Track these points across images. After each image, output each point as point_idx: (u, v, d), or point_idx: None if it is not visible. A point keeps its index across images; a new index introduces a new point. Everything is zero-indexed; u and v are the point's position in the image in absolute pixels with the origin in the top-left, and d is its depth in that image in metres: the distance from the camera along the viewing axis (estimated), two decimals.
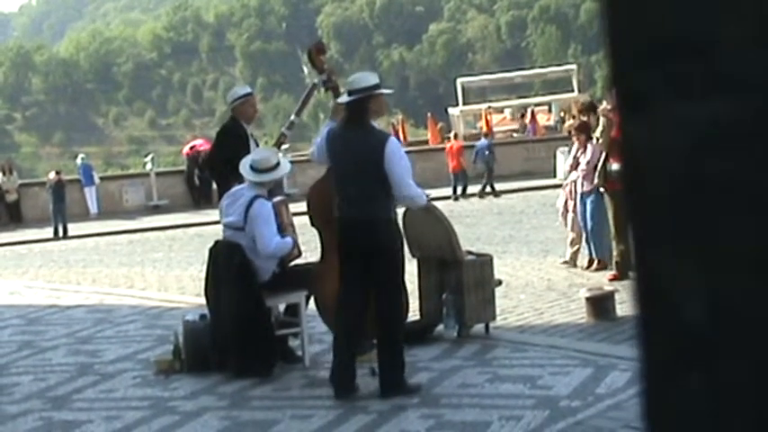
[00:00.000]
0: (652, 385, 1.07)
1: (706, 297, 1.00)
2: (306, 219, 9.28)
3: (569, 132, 13.79)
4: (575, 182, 13.70)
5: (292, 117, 10.04)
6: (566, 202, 14.00)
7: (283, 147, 10.02)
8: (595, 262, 13.44)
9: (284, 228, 8.88)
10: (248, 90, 10.45)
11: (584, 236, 13.69)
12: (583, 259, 13.81)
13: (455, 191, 29.14)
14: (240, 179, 9.09)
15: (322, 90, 9.36)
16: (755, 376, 0.99)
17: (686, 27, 0.98)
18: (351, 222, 7.74)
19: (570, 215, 13.91)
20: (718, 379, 1.01)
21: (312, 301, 9.16)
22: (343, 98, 7.99)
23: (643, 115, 1.01)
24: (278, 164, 8.95)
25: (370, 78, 8.03)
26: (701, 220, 1.00)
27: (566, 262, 14.01)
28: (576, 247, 13.96)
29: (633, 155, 1.04)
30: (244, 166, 8.84)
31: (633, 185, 1.06)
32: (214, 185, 9.46)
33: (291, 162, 9.19)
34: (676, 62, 0.98)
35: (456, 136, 33.11)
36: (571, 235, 14.05)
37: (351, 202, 7.73)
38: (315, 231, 9.19)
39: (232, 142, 9.65)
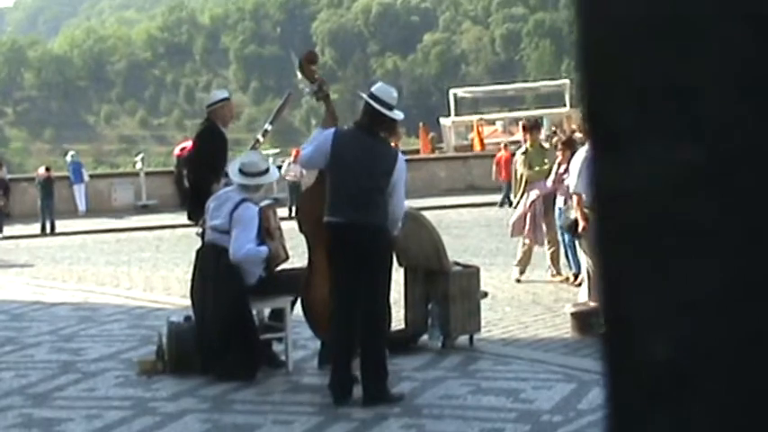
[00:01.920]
0: (618, 422, 1.08)
1: (671, 335, 1.02)
2: (293, 223, 9.26)
3: (555, 146, 14.01)
4: (541, 196, 13.92)
5: (266, 125, 10.13)
6: (527, 217, 14.07)
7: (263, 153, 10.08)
8: (579, 276, 13.45)
9: (271, 232, 8.87)
10: (226, 94, 10.60)
11: (561, 249, 13.78)
12: (568, 273, 13.83)
13: (507, 198, 29.22)
14: (219, 181, 9.16)
15: (308, 97, 9.36)
16: (720, 414, 1.01)
17: (663, 71, 1.00)
18: (350, 226, 7.69)
19: (532, 230, 14.02)
20: (683, 417, 1.03)
21: (299, 305, 9.13)
22: (366, 97, 8.04)
23: (616, 155, 1.03)
24: (267, 170, 8.97)
25: (396, 96, 8.14)
26: (668, 261, 1.02)
27: (556, 275, 14.02)
28: (553, 259, 14.07)
29: (605, 194, 1.06)
30: (233, 168, 8.88)
31: (604, 223, 1.08)
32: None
33: (279, 167, 9.21)
34: (652, 105, 1.01)
35: (506, 146, 32.93)
36: (543, 249, 14.22)
37: (353, 206, 7.70)
38: (302, 236, 9.16)
39: (213, 144, 9.73)
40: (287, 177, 27.53)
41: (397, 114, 8.03)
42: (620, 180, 1.03)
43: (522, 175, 14.18)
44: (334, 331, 8.01)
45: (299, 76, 8.96)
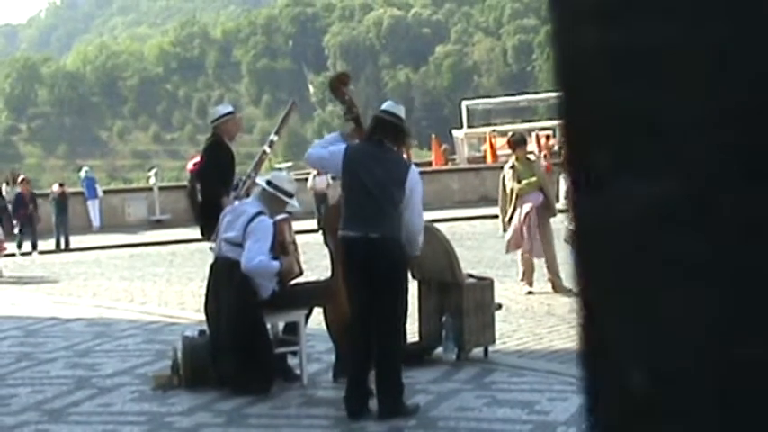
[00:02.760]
0: None
1: (649, 366, 1.04)
2: (308, 237, 9.27)
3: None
4: (534, 208, 14.04)
5: (272, 136, 10.16)
6: (522, 230, 14.13)
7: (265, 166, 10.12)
8: None
9: (285, 246, 8.87)
10: (231, 109, 10.68)
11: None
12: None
13: None
14: (228, 194, 9.22)
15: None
16: None
17: (640, 107, 1.03)
18: (362, 240, 7.71)
19: (528, 242, 14.07)
20: None
21: (321, 317, 9.15)
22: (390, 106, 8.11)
23: (594, 190, 1.07)
24: (291, 194, 8.94)
25: (404, 112, 8.23)
26: (647, 291, 1.04)
27: (559, 289, 14.02)
28: (551, 271, 14.12)
29: (585, 227, 1.09)
30: (262, 177, 8.97)
31: (584, 255, 1.10)
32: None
33: (306, 179, 9.24)
34: (627, 140, 1.04)
35: (546, 156, 32.70)
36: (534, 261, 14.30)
37: (364, 219, 7.71)
38: (318, 250, 9.18)
39: (219, 159, 9.79)
40: (315, 189, 27.53)
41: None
42: (599, 214, 1.06)
43: (511, 190, 14.24)
44: (349, 345, 8.02)
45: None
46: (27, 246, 26.52)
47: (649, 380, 1.03)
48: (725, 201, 0.99)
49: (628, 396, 1.05)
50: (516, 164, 14.37)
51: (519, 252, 14.40)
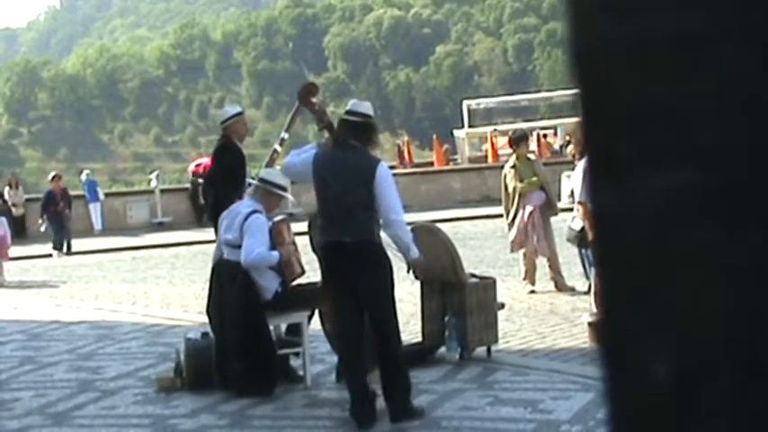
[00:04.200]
0: None
1: (673, 359, 1.03)
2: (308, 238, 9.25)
3: (573, 156, 14.02)
4: (536, 207, 14.04)
5: (283, 134, 10.13)
6: (527, 229, 14.12)
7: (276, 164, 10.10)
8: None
9: (284, 246, 8.86)
10: (239, 109, 10.66)
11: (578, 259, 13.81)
12: (583, 285, 13.80)
13: None
14: (241, 196, 9.22)
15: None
16: None
17: (659, 97, 1.02)
18: (336, 245, 7.65)
19: (534, 242, 14.06)
20: None
21: (318, 319, 9.15)
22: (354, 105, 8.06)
23: (616, 182, 1.05)
24: (284, 188, 8.97)
25: (371, 108, 8.11)
26: (669, 285, 1.03)
27: (562, 288, 14.01)
28: (554, 269, 14.12)
29: (605, 219, 1.08)
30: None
31: (605, 248, 1.09)
32: None
33: (293, 183, 9.24)
34: (649, 130, 1.02)
35: (575, 156, 32.54)
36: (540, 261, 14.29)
37: (336, 224, 7.65)
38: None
39: (231, 160, 9.78)
40: None
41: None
42: (619, 204, 1.05)
43: (513, 189, 14.20)
44: (341, 354, 8.00)
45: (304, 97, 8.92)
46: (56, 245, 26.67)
47: (673, 375, 1.03)
48: (747, 192, 0.98)
49: (651, 392, 1.04)
50: (517, 163, 14.33)
51: (521, 251, 14.39)
